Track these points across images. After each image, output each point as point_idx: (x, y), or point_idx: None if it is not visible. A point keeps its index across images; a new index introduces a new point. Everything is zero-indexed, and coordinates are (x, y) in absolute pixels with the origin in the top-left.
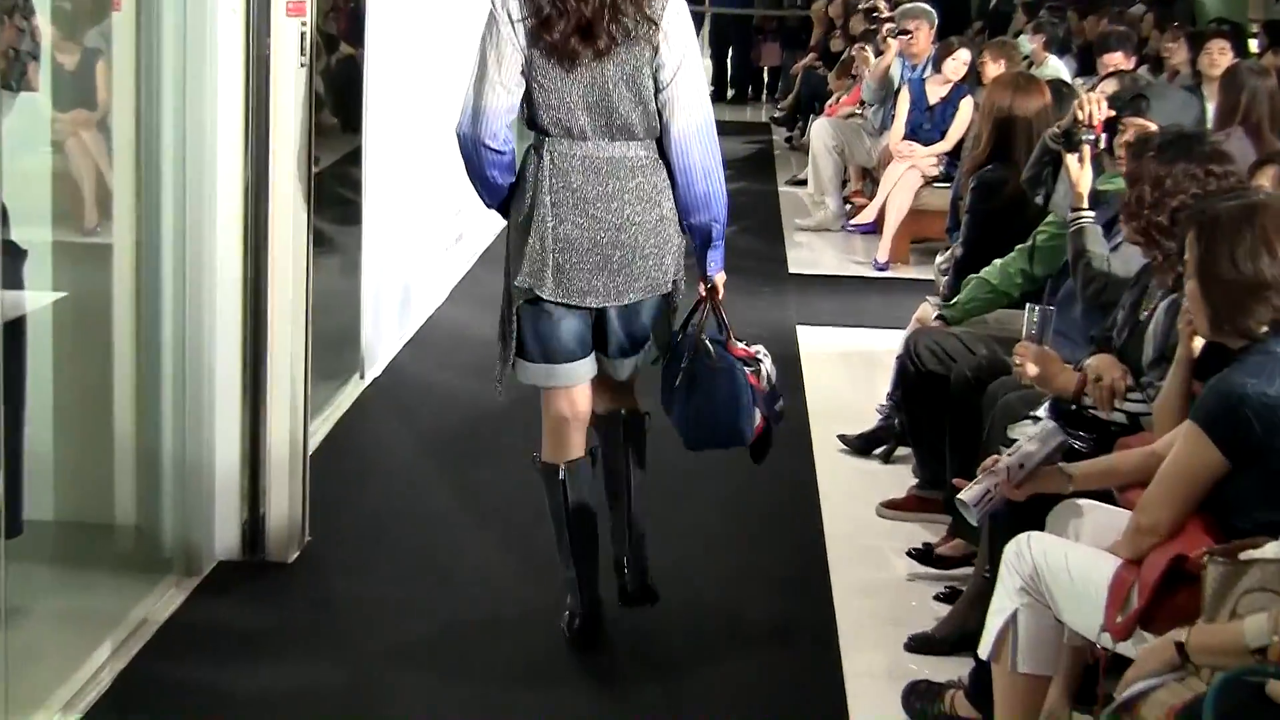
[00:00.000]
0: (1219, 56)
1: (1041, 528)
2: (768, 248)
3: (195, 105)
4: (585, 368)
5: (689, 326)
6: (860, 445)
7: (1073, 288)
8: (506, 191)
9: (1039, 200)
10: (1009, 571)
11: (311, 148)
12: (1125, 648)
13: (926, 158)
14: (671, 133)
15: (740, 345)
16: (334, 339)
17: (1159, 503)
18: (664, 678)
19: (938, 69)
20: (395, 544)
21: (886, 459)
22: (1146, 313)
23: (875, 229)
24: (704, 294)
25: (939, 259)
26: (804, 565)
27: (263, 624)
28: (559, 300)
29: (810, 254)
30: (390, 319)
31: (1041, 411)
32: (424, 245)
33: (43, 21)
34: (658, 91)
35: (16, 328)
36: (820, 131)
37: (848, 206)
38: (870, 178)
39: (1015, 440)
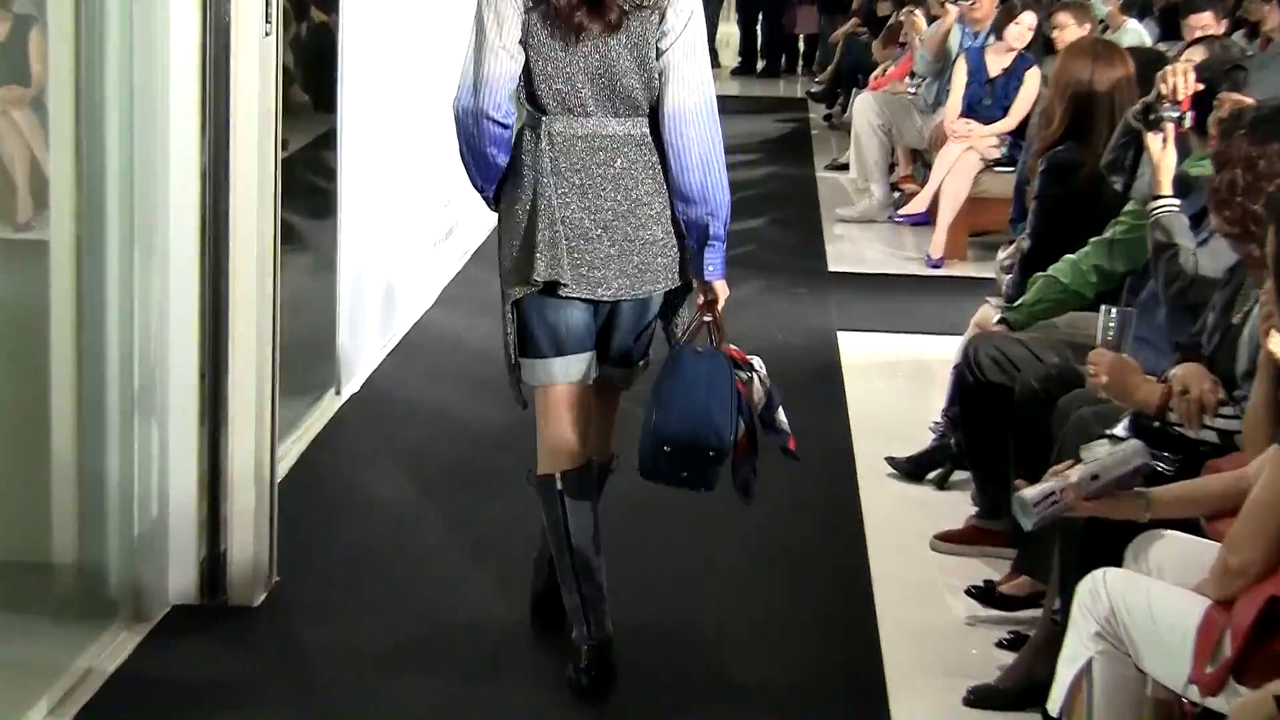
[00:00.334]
0: None
1: (1119, 562)
2: (804, 242)
3: (144, 80)
4: (585, 366)
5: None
6: (911, 469)
7: (1155, 287)
8: (502, 173)
9: (1118, 187)
10: (1082, 614)
11: (279, 129)
12: (1216, 702)
13: (986, 138)
14: (665, 107)
15: (733, 347)
16: (306, 348)
17: (1249, 539)
18: None
19: (999, 35)
20: (375, 585)
21: (941, 484)
22: (1240, 316)
23: (928, 220)
24: (700, 305)
25: (1001, 254)
26: (846, 606)
27: (222, 676)
28: (573, 295)
29: (853, 249)
30: (370, 325)
31: (1120, 429)
32: (409, 240)
33: None
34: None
35: None
36: (864, 108)
37: (896, 194)
38: (922, 161)
39: (1089, 462)
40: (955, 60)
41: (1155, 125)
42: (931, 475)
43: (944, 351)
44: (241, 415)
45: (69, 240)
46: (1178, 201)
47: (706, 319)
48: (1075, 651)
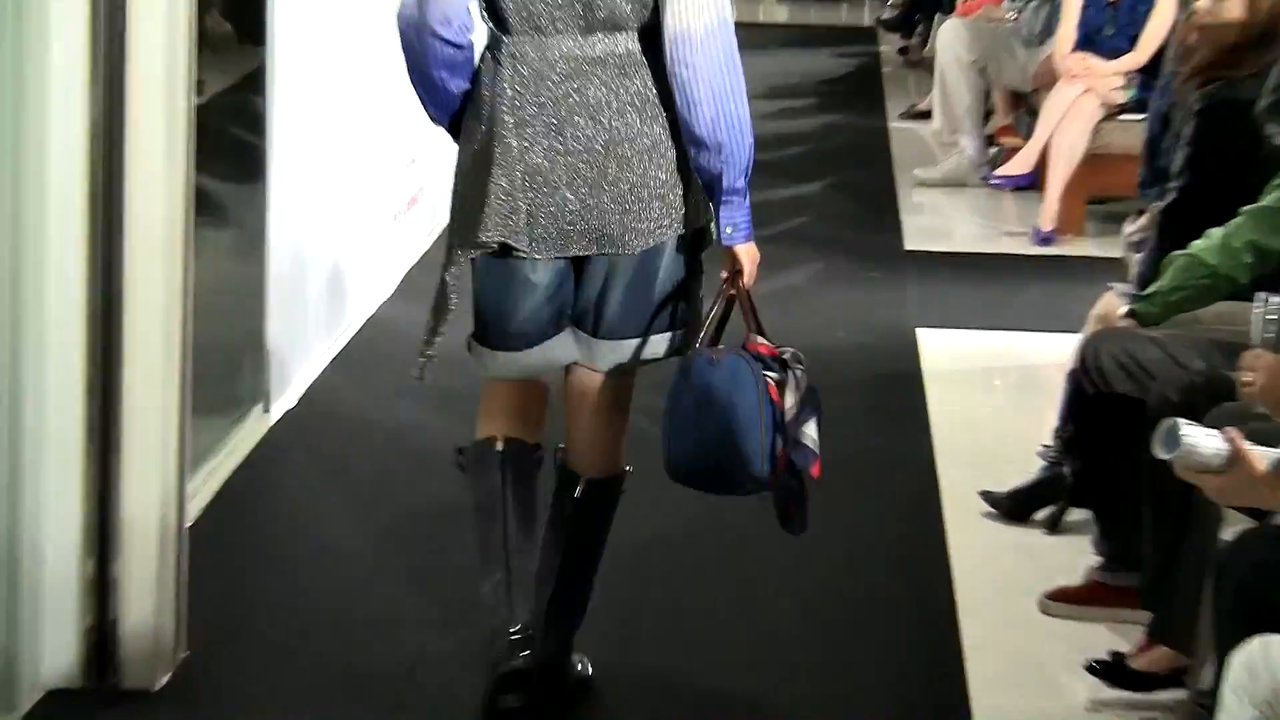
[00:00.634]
0: None
1: None
2: (874, 213)
3: (14, 7)
4: (564, 349)
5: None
6: (1013, 506)
7: None
8: (459, 103)
9: (1278, 139)
10: (1237, 697)
11: (192, 68)
12: None
13: (1109, 77)
14: (666, 31)
15: (762, 341)
16: (226, 355)
17: None
18: None
19: None
20: (312, 659)
21: (1053, 526)
22: None
23: (1034, 183)
24: (725, 279)
25: (1128, 227)
26: (931, 682)
27: None
28: (534, 255)
29: (938, 221)
30: (309, 324)
31: None
32: (360, 211)
33: None
34: None
35: None
36: (951, 39)
37: (992, 150)
38: (1026, 107)
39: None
40: None
41: None
42: (1040, 515)
43: (1056, 354)
44: (140, 444)
45: None
46: None
47: (731, 293)
48: None
